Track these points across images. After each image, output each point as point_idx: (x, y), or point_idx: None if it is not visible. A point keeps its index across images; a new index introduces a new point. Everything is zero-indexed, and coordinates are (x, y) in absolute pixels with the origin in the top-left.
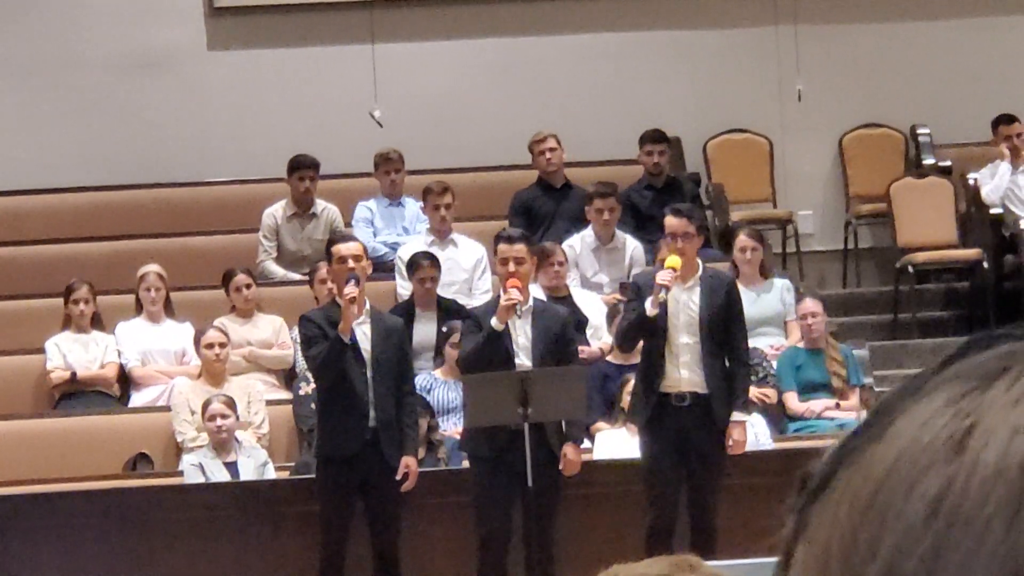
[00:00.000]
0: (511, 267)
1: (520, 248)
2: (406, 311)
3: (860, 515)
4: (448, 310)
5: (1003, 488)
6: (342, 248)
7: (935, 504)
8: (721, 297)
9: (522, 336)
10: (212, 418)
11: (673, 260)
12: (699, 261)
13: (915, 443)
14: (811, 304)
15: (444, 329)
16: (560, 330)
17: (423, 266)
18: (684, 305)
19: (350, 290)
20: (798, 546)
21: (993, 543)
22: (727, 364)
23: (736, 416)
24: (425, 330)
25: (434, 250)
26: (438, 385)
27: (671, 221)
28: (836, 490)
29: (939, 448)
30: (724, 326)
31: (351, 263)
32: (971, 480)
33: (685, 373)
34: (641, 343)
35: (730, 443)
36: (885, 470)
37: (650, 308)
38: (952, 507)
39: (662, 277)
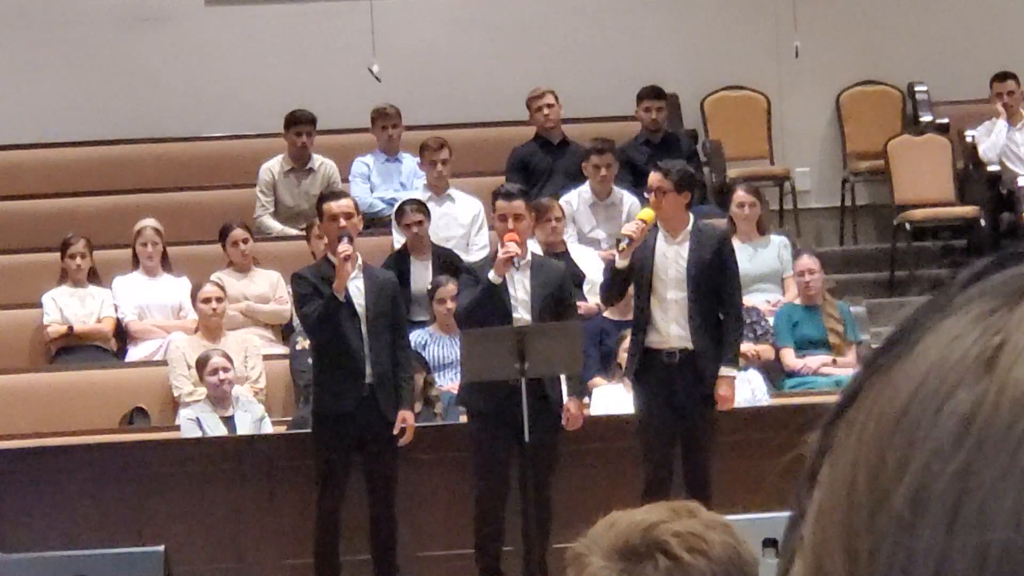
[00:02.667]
0: (510, 224)
1: (518, 204)
2: (400, 260)
3: (888, 434)
4: (444, 260)
5: None
6: (333, 206)
7: (965, 423)
8: (711, 252)
9: (521, 290)
10: (214, 372)
11: (644, 212)
12: (690, 216)
13: (943, 360)
14: (808, 261)
15: (430, 287)
16: (559, 284)
17: (406, 211)
18: (672, 260)
19: (344, 248)
20: (823, 466)
21: None
22: (719, 319)
23: (724, 371)
24: (421, 278)
25: (431, 206)
26: (432, 341)
27: (650, 176)
28: (862, 408)
29: (968, 366)
30: (714, 281)
31: (342, 221)
32: (1002, 398)
33: (674, 328)
34: (633, 298)
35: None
36: (913, 388)
37: (618, 259)
38: (983, 425)
39: (627, 228)
